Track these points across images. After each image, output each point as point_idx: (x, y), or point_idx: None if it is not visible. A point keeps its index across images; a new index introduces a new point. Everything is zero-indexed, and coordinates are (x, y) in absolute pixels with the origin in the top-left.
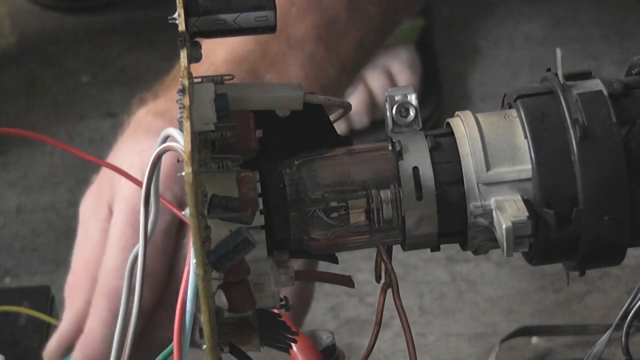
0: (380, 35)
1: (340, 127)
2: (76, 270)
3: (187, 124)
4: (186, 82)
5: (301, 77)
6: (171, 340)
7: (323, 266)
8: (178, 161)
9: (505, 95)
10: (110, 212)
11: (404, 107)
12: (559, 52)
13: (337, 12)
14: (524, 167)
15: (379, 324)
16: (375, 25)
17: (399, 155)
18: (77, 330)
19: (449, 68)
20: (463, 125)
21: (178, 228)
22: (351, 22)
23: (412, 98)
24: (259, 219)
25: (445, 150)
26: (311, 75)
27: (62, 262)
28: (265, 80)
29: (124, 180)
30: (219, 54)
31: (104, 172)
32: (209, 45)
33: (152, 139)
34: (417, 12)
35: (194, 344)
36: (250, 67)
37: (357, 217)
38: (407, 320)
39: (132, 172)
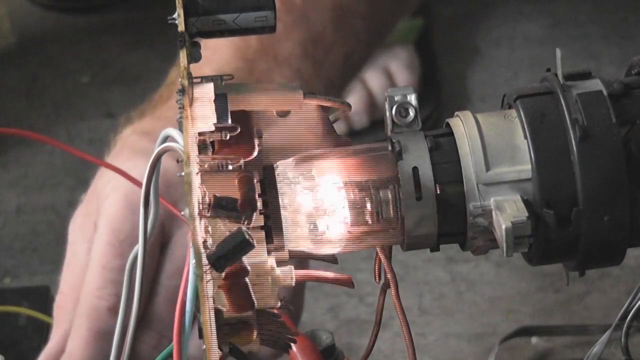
0: (367, 48)
1: (339, 127)
2: (64, 290)
3: (186, 124)
4: (186, 82)
5: None
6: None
7: (323, 266)
8: (178, 161)
9: (504, 96)
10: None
11: (403, 107)
12: (558, 52)
13: (323, 27)
14: (524, 167)
15: (378, 324)
16: (362, 39)
17: (399, 155)
18: (63, 350)
19: (449, 68)
20: (463, 125)
21: (154, 252)
22: (338, 37)
23: (412, 98)
24: (259, 220)
25: (444, 151)
26: None
27: (61, 262)
28: None
29: (109, 200)
30: (205, 72)
31: (92, 191)
32: (195, 64)
33: (136, 158)
34: (409, 16)
35: None
36: None
37: (357, 217)
38: (406, 321)
39: (119, 193)
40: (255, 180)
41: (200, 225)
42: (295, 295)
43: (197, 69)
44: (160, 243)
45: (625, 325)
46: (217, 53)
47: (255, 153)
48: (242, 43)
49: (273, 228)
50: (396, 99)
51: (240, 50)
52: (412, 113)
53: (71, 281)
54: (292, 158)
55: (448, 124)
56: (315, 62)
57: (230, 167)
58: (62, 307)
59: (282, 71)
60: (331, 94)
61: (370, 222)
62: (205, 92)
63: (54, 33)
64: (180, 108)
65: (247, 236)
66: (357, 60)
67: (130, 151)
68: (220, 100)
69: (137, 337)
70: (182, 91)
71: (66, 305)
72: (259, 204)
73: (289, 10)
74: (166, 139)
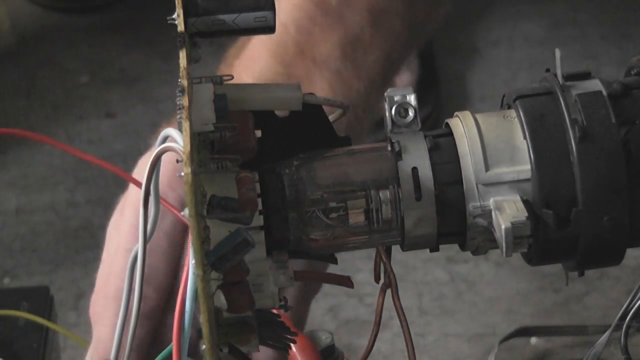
0: (406, 47)
1: (339, 127)
2: (98, 289)
3: (186, 125)
4: (185, 83)
5: (329, 95)
6: None
7: (323, 266)
8: (177, 161)
9: (504, 96)
10: None
11: (403, 107)
12: (558, 52)
13: (361, 28)
14: (523, 167)
15: (378, 324)
16: (401, 39)
17: (398, 155)
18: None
19: (448, 68)
20: (462, 125)
21: (183, 230)
22: (376, 38)
23: (411, 98)
24: (258, 220)
25: (444, 151)
26: (339, 92)
27: (61, 262)
28: None
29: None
30: (243, 79)
31: (131, 189)
32: (233, 71)
33: None
34: (443, 22)
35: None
36: None
37: (356, 217)
38: (406, 321)
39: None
40: (255, 180)
41: (200, 225)
42: (300, 301)
43: (236, 78)
44: (182, 230)
45: (625, 325)
46: (255, 61)
47: (255, 153)
48: (279, 48)
49: (273, 228)
50: (395, 99)
51: (278, 55)
52: (411, 113)
53: (104, 279)
54: (292, 158)
55: (447, 124)
56: (354, 63)
57: (230, 167)
58: (97, 307)
59: (322, 73)
60: (373, 94)
61: (370, 222)
62: (205, 92)
63: (53, 33)
64: (179, 108)
65: (247, 236)
66: (397, 58)
67: None
68: (220, 100)
69: (167, 325)
70: (182, 91)
71: (103, 305)
72: (259, 204)
73: (324, 12)
74: (166, 139)
